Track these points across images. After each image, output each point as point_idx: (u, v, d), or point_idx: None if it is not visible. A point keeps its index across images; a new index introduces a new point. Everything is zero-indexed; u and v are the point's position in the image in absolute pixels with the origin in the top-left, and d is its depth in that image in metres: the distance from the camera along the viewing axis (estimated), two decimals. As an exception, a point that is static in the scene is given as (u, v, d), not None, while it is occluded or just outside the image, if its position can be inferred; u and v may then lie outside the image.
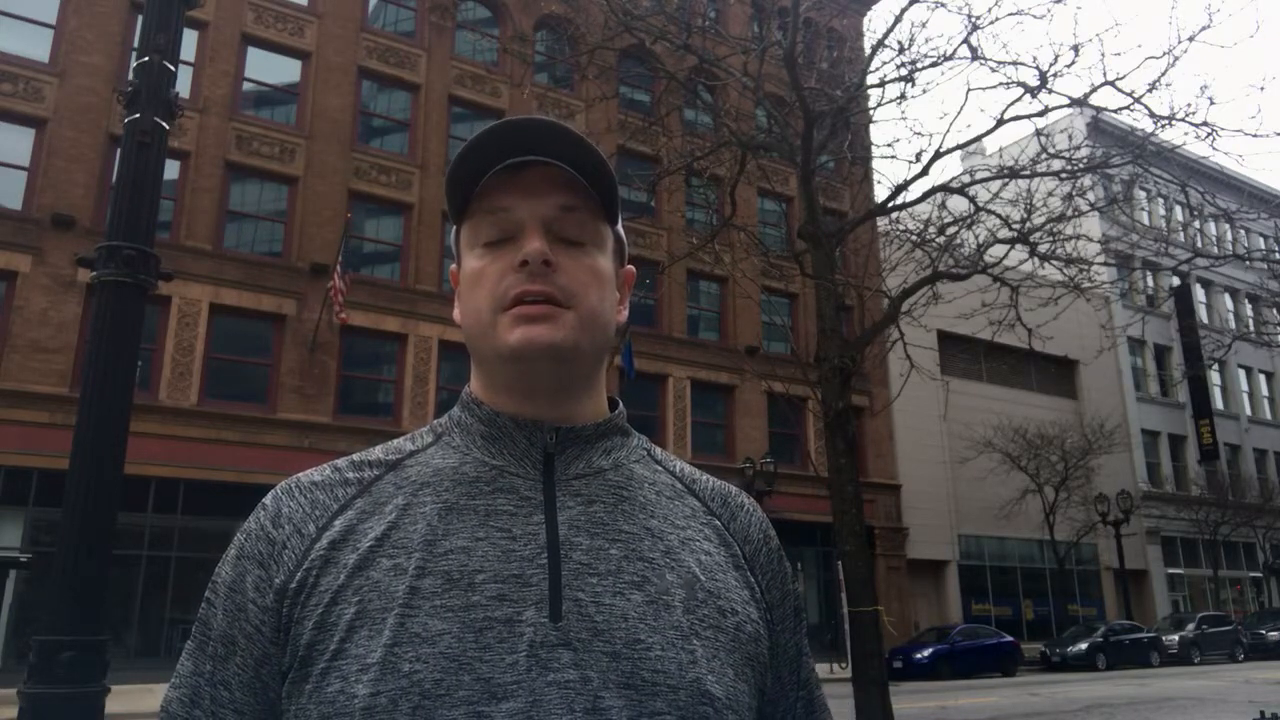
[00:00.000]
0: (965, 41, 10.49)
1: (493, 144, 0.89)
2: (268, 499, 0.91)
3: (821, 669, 20.38)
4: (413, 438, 0.97)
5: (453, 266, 0.99)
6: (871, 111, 12.07)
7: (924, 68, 10.74)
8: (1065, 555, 30.10)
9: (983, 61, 10.54)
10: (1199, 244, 16.57)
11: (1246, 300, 41.66)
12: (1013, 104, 11.31)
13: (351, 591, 0.81)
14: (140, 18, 4.40)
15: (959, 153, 15.71)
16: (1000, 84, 10.76)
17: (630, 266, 1.03)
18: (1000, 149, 20.88)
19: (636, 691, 0.79)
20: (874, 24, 42.80)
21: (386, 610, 0.80)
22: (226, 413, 19.10)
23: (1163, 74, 10.31)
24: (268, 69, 21.84)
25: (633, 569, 0.85)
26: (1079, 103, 10.69)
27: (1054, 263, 11.68)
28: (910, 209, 11.49)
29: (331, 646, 0.79)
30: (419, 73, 23.65)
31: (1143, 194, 27.86)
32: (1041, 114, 10.77)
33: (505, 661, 0.78)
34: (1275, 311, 35.41)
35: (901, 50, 10.78)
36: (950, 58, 10.58)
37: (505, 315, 0.88)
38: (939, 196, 11.77)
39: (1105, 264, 13.62)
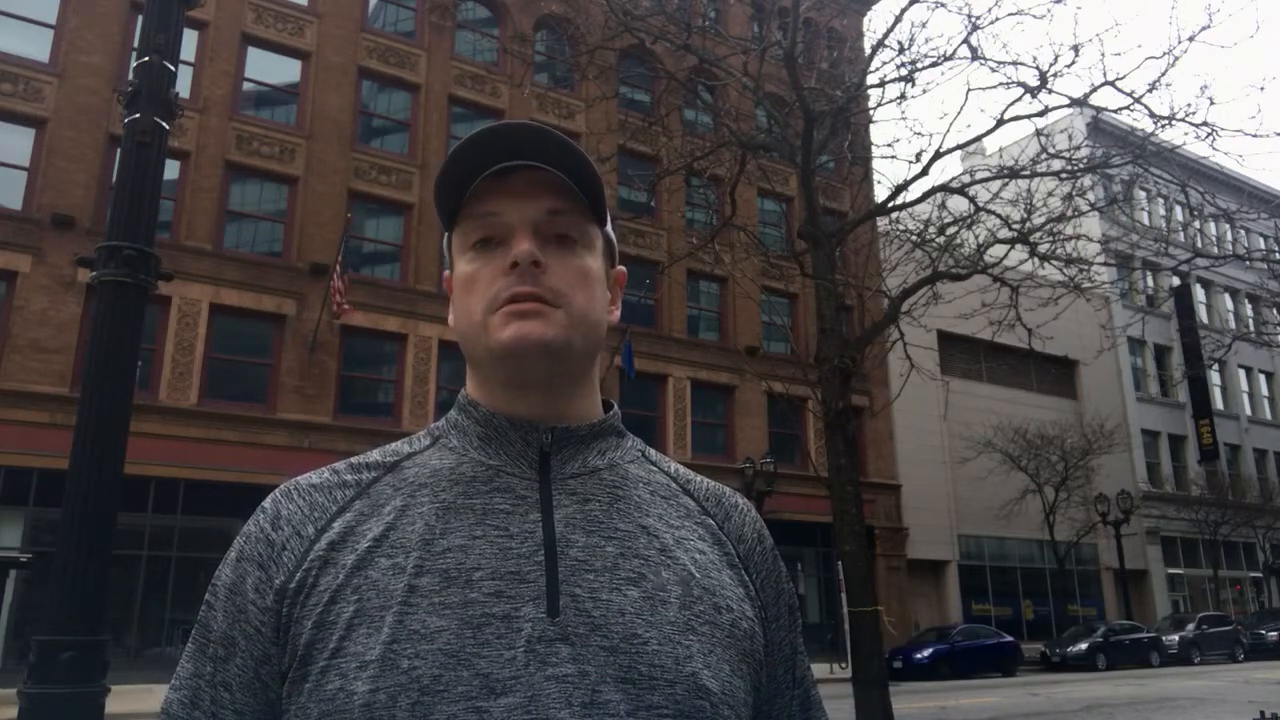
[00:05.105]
0: (965, 41, 10.49)
1: (479, 150, 0.90)
2: (266, 502, 0.92)
3: (821, 669, 20.39)
4: (410, 440, 0.98)
5: (446, 273, 1.00)
6: (871, 111, 12.07)
7: (924, 68, 10.74)
8: (1065, 555, 30.10)
9: (983, 61, 10.54)
10: (1199, 244, 16.55)
11: (1246, 300, 41.66)
12: (1013, 104, 11.33)
13: (350, 590, 0.82)
14: (140, 18, 4.41)
15: (959, 153, 15.71)
16: (1000, 84, 10.77)
17: (621, 267, 1.04)
18: (1000, 149, 20.88)
19: (634, 686, 0.80)
20: (874, 24, 42.81)
21: (385, 608, 0.81)
22: (226, 413, 19.10)
23: (1163, 74, 10.31)
24: (268, 69, 21.84)
25: (629, 566, 0.87)
26: (1079, 103, 10.68)
27: (1054, 263, 11.67)
28: (910, 209, 11.48)
29: (331, 645, 0.80)
30: (419, 73, 23.66)
31: (1143, 194, 27.85)
32: (1041, 114, 10.77)
33: (504, 657, 0.79)
34: (1275, 311, 35.39)
35: (901, 50, 10.78)
36: (950, 58, 10.57)
37: (496, 315, 0.89)
38: (939, 196, 11.77)
39: (1105, 264, 13.63)
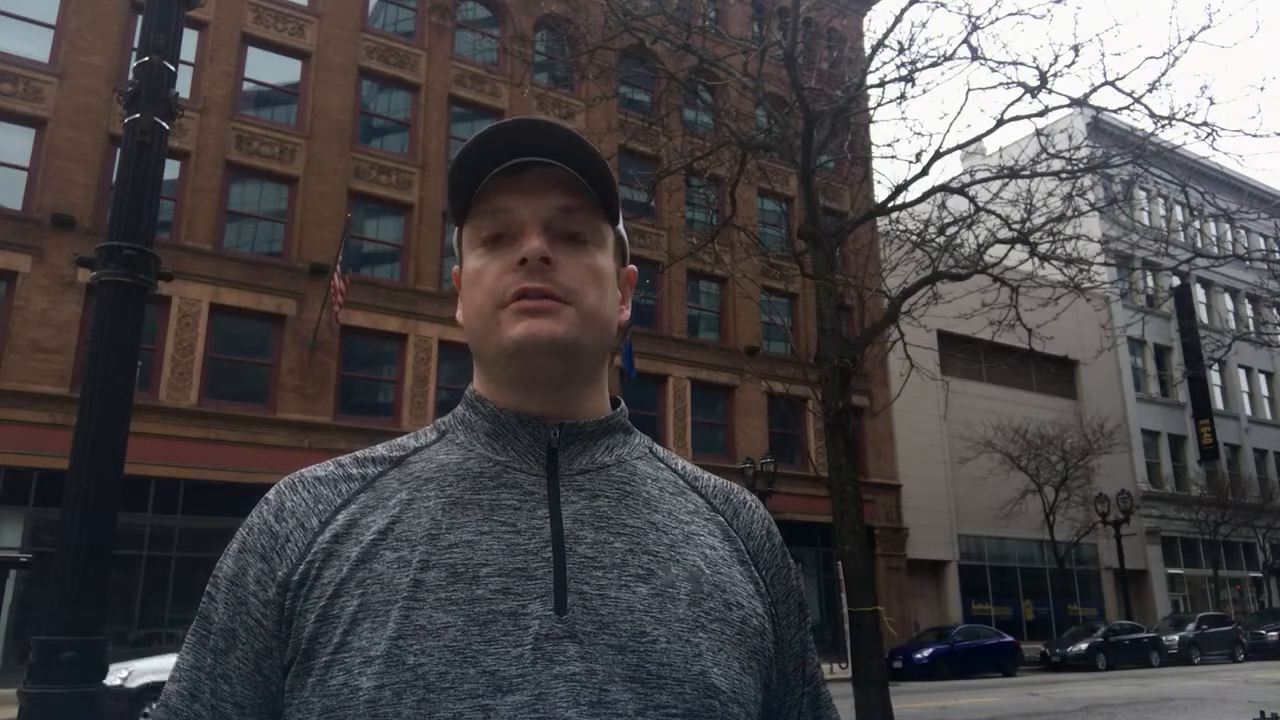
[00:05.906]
0: (965, 41, 10.50)
1: (492, 146, 0.90)
2: (271, 494, 0.91)
3: (822, 669, 20.38)
4: (416, 435, 0.97)
5: (455, 268, 0.99)
6: (871, 111, 12.07)
7: (924, 68, 10.75)
8: (1065, 555, 30.10)
9: (983, 61, 10.54)
10: (1199, 244, 16.57)
11: (1246, 300, 41.66)
12: (1013, 104, 11.33)
13: (354, 584, 0.82)
14: (140, 18, 4.40)
15: (959, 153, 15.72)
16: (1000, 84, 10.77)
17: (632, 266, 1.04)
18: (1000, 149, 20.88)
19: (642, 684, 0.79)
20: (874, 24, 42.80)
21: (390, 603, 0.80)
22: (226, 413, 19.10)
23: (1163, 74, 10.31)
24: (268, 69, 21.84)
25: (638, 562, 0.86)
26: (1079, 103, 10.69)
27: (1054, 263, 11.67)
28: (910, 209, 11.49)
29: (335, 639, 0.80)
30: (419, 73, 23.65)
31: (1143, 194, 27.85)
32: (1041, 114, 10.77)
33: (510, 654, 0.78)
34: (1275, 311, 35.39)
35: (901, 50, 10.78)
36: (950, 58, 10.58)
37: (506, 311, 0.88)
38: (939, 196, 11.77)
39: (1105, 264, 13.63)
